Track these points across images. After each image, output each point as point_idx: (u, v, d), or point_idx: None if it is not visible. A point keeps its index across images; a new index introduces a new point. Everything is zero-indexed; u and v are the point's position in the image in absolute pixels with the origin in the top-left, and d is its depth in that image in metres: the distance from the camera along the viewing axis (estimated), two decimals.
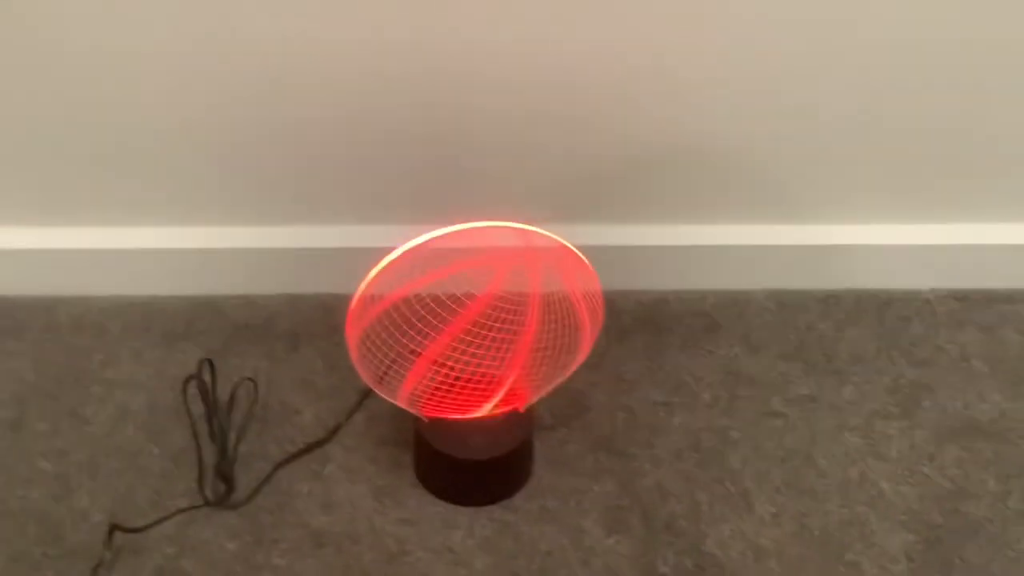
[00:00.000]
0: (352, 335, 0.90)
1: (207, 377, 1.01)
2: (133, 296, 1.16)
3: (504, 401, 0.98)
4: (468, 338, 0.95)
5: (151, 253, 1.14)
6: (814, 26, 1.00)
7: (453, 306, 0.92)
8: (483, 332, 0.94)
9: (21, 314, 1.14)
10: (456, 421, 0.98)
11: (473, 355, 0.96)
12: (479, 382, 0.97)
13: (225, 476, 0.98)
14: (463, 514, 0.98)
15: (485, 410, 0.98)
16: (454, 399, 0.97)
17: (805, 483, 1.01)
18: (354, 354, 0.91)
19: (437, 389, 0.96)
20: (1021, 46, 1.02)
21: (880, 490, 1.00)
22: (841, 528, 0.97)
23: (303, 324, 1.14)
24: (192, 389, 1.01)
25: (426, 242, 0.85)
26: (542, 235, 0.88)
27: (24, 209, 1.12)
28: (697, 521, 0.98)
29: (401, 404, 0.96)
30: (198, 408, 1.01)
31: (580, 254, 0.90)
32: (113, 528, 0.93)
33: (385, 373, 0.94)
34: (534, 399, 0.99)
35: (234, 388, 1.03)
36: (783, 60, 1.02)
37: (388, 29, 0.98)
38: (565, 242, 0.89)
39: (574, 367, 0.98)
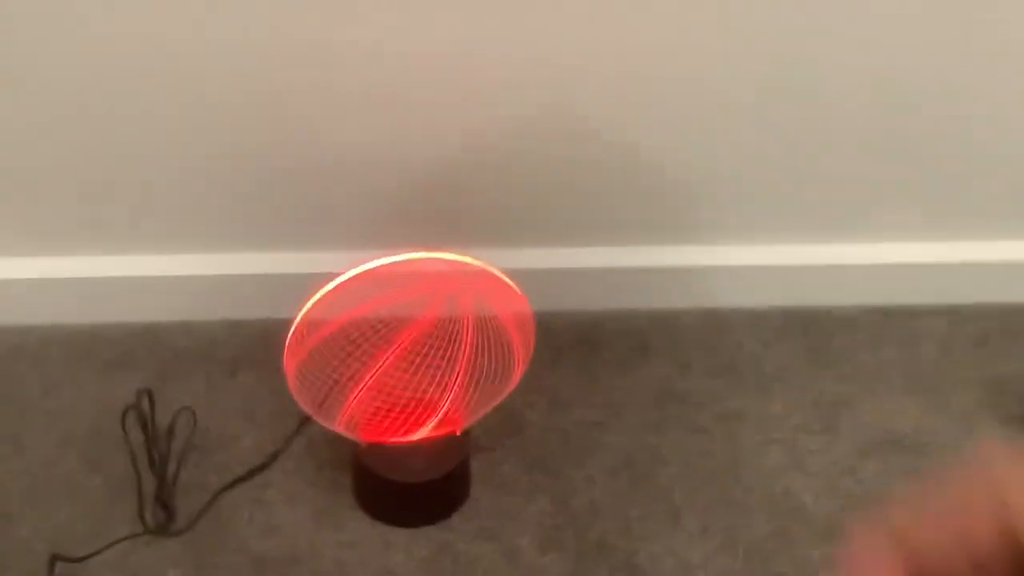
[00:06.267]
0: (290, 366, 0.92)
1: (146, 407, 1.02)
2: (72, 324, 1.16)
3: (441, 424, 1.00)
4: (405, 363, 0.97)
5: (90, 281, 1.14)
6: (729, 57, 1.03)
7: (389, 333, 0.94)
8: (419, 357, 0.97)
9: None
10: (394, 445, 1.00)
11: (410, 380, 0.98)
12: (416, 406, 0.99)
13: (165, 504, 0.99)
14: (402, 535, 1.00)
15: (422, 433, 1.00)
16: (391, 423, 0.99)
17: (732, 498, 1.05)
18: (292, 384, 0.93)
19: (375, 414, 0.98)
20: (947, 67, 1.07)
21: (802, 503, 1.04)
22: (766, 541, 1.01)
23: (243, 349, 1.15)
24: (131, 419, 1.02)
25: (359, 274, 0.87)
26: (469, 263, 0.91)
27: None
28: (629, 538, 1.01)
29: (339, 430, 0.98)
30: (138, 437, 1.02)
31: (507, 279, 0.93)
32: (54, 558, 0.94)
33: (324, 399, 0.95)
34: (470, 422, 1.02)
35: (174, 417, 1.04)
36: (703, 92, 1.05)
37: (319, 52, 1.00)
38: (492, 269, 0.92)
39: (508, 390, 1.00)
